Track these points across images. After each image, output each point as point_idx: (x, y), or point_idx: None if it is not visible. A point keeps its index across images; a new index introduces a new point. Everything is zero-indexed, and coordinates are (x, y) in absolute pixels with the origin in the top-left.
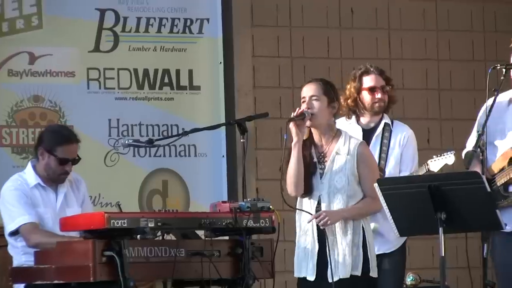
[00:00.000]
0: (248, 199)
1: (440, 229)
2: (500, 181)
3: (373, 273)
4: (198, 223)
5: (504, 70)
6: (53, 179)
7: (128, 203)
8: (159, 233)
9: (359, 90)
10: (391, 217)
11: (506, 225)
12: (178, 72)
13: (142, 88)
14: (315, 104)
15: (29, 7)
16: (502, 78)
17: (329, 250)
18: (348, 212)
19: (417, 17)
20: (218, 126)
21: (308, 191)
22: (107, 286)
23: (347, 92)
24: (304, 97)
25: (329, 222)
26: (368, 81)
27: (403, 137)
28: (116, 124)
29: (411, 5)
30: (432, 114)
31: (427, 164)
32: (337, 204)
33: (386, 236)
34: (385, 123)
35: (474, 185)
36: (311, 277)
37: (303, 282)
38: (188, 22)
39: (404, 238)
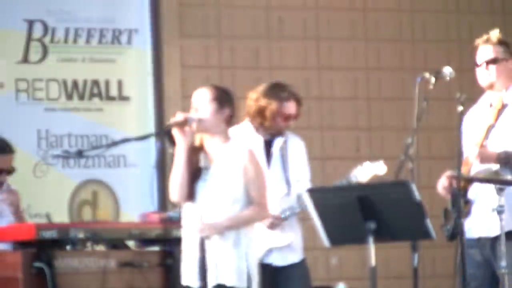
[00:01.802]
0: (178, 209)
1: (370, 239)
2: (462, 187)
3: (255, 286)
4: (128, 234)
5: (433, 79)
6: None
7: (57, 214)
8: (89, 244)
9: (274, 113)
10: (320, 226)
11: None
12: (107, 82)
13: (71, 98)
14: (203, 109)
15: None
16: (431, 87)
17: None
18: (230, 221)
19: (346, 26)
20: (147, 136)
21: (192, 196)
22: None
23: (259, 103)
24: (193, 102)
25: (211, 233)
26: (287, 109)
27: (298, 147)
28: (45, 135)
29: (340, 15)
30: (362, 124)
31: (355, 176)
32: (220, 209)
33: (293, 246)
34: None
35: (403, 194)
36: (195, 285)
37: None
38: (117, 33)
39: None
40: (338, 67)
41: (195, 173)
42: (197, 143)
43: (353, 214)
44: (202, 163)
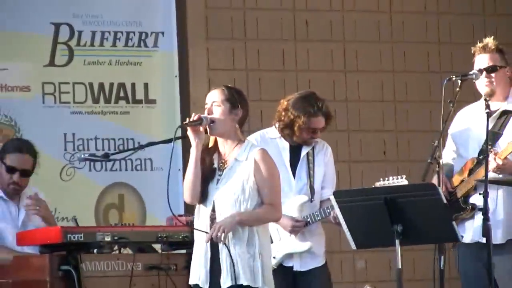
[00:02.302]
0: None
1: (397, 242)
2: (460, 192)
3: (265, 285)
4: (155, 237)
5: (459, 81)
6: (4, 190)
7: (84, 218)
8: (115, 247)
9: (301, 127)
10: (347, 229)
11: (462, 237)
12: (133, 85)
13: (98, 102)
14: (216, 110)
15: None
16: (457, 89)
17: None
18: (243, 215)
19: (372, 29)
20: (173, 139)
21: (204, 197)
22: None
23: (288, 114)
24: (206, 103)
25: (225, 231)
26: (314, 123)
27: (325, 154)
28: (71, 139)
29: (366, 17)
30: (388, 126)
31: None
32: (231, 210)
33: (315, 252)
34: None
35: (430, 197)
36: (205, 285)
37: None
38: (143, 36)
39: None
40: (364, 70)
41: (208, 174)
42: (211, 144)
43: (380, 217)
44: (215, 164)
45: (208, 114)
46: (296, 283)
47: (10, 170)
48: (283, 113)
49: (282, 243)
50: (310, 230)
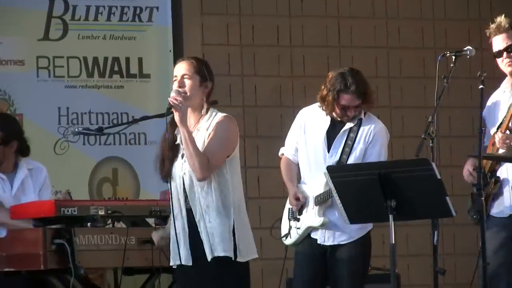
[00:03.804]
0: None
1: (390, 217)
2: (486, 168)
3: (241, 256)
4: (149, 211)
5: (453, 57)
6: None
7: (78, 192)
8: (109, 221)
9: (333, 105)
10: (340, 204)
11: (456, 212)
12: (128, 60)
13: (92, 76)
14: (187, 83)
15: None
16: (451, 65)
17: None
18: (190, 135)
19: (366, 4)
20: (168, 114)
21: (172, 174)
22: (58, 274)
23: (324, 92)
24: (175, 76)
25: (179, 104)
26: (344, 99)
27: (369, 132)
28: (65, 113)
29: None
30: (382, 102)
31: None
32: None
33: (340, 227)
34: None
35: (423, 172)
36: (188, 262)
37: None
38: (138, 10)
39: (365, 231)
40: (359, 45)
41: (172, 150)
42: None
43: (373, 192)
44: (178, 138)
45: (179, 86)
46: (325, 257)
47: None
48: (322, 87)
49: (307, 215)
50: (336, 204)
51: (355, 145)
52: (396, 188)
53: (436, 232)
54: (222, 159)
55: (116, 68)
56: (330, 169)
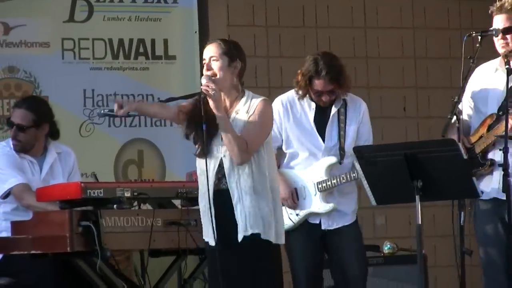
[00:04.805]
0: None
1: (417, 197)
2: (478, 148)
3: (278, 239)
4: (175, 193)
5: (479, 37)
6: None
7: (103, 174)
8: (135, 203)
9: (307, 90)
10: (367, 185)
11: (482, 192)
12: (153, 41)
13: (117, 58)
14: (214, 65)
15: None
16: (477, 45)
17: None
18: (228, 122)
19: None
20: (193, 95)
21: (209, 153)
22: (84, 256)
23: (298, 77)
24: (204, 59)
25: (211, 92)
26: (316, 85)
27: (359, 112)
28: (91, 95)
29: None
30: (408, 82)
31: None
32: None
33: (343, 210)
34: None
35: (450, 152)
36: (212, 242)
37: (208, 247)
38: None
39: (356, 213)
40: (384, 26)
41: (212, 129)
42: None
43: (400, 172)
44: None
45: (207, 70)
46: (325, 241)
47: (9, 124)
48: (298, 71)
49: (307, 201)
50: (340, 190)
51: (347, 127)
52: (422, 168)
53: (462, 213)
54: (260, 143)
55: (141, 50)
56: (356, 150)
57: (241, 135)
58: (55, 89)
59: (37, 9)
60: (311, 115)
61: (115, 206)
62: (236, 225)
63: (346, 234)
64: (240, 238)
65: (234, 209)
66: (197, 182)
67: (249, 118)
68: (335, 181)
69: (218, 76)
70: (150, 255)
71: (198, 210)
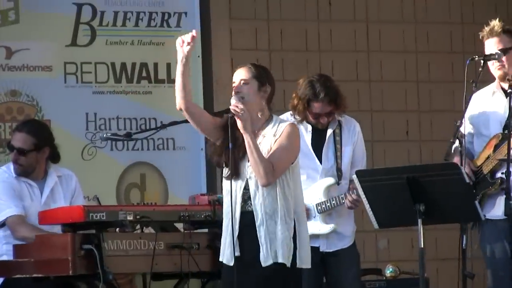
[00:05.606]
0: None
1: (419, 221)
2: (486, 169)
3: (301, 264)
4: (177, 216)
5: (482, 61)
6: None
7: (106, 197)
8: (138, 226)
9: (305, 113)
10: (369, 208)
11: (485, 216)
12: (156, 65)
13: (120, 81)
14: (245, 88)
15: (6, 1)
16: (480, 69)
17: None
18: (253, 139)
19: (395, 9)
20: (221, 113)
21: (236, 174)
22: (86, 280)
23: (295, 102)
24: (234, 82)
25: (240, 112)
26: (315, 107)
27: (353, 133)
28: (93, 118)
29: None
30: (411, 106)
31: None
32: (262, 187)
33: (342, 232)
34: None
35: (452, 176)
36: (230, 262)
37: (224, 267)
38: (166, 16)
39: (354, 235)
40: (387, 50)
41: (240, 151)
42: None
43: (402, 196)
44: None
45: (236, 92)
46: (324, 263)
47: (9, 147)
48: (293, 95)
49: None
50: (338, 211)
51: (343, 148)
52: (424, 192)
53: (464, 236)
54: (286, 166)
55: (144, 74)
56: (359, 173)
57: (268, 157)
58: (57, 113)
59: (40, 33)
60: (308, 137)
61: (117, 229)
62: (259, 246)
63: (344, 258)
64: (263, 263)
65: (257, 231)
66: (200, 206)
67: (276, 142)
68: (334, 202)
69: (246, 98)
70: (153, 278)
71: (201, 233)
